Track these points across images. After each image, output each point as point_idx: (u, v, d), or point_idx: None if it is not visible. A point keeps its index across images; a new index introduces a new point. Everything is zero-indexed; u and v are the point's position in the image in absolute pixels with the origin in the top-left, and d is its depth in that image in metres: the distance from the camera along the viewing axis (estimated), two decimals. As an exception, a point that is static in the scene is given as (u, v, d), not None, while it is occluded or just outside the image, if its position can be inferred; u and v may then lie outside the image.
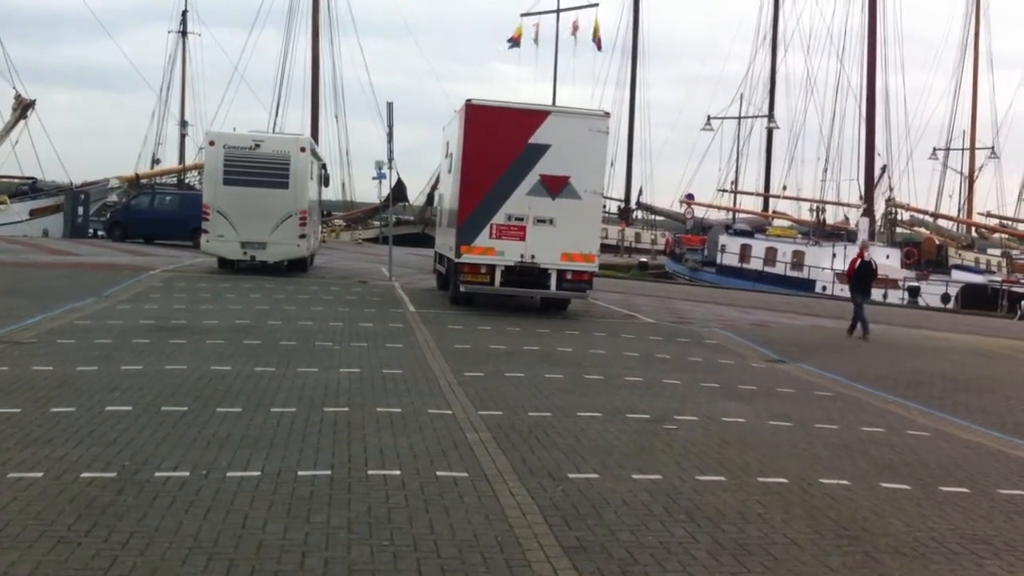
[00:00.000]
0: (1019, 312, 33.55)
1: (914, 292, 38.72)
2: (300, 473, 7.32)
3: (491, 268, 19.83)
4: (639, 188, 71.72)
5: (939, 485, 8.33)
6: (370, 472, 7.44)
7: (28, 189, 45.67)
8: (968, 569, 6.26)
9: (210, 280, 23.22)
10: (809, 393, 12.89)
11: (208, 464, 7.44)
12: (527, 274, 19.96)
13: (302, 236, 25.53)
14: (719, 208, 61.84)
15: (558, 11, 61.73)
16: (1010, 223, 60.95)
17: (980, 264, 52.31)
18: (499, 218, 19.69)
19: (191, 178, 50.31)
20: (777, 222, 55.94)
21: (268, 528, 6.09)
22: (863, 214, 47.87)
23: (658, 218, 71.84)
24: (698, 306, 26.61)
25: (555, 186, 19.74)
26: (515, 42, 63.10)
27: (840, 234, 48.10)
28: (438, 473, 7.52)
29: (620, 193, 70.74)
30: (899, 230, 56.09)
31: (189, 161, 55.52)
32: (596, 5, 63.88)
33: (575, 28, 62.37)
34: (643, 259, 55.38)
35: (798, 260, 44.63)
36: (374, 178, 30.22)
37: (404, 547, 5.89)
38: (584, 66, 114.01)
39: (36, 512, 6.14)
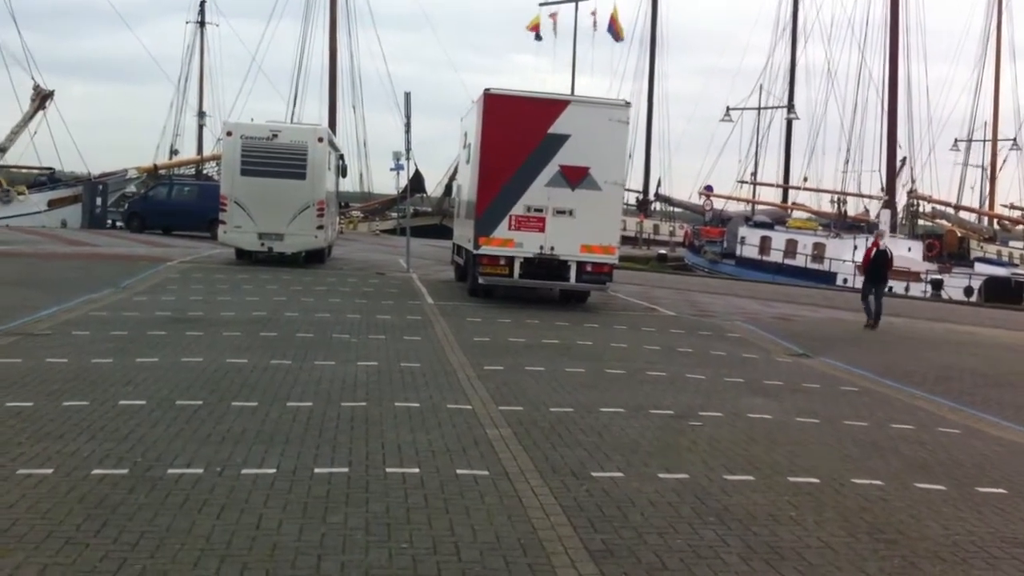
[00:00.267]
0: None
1: (937, 285, 38.25)
2: (316, 470, 7.12)
3: (510, 260, 19.60)
4: (657, 179, 71.41)
5: (975, 485, 8.06)
6: (388, 470, 7.23)
7: (46, 179, 45.77)
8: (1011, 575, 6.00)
9: (228, 271, 23.09)
10: (835, 388, 12.61)
11: (222, 461, 7.25)
12: (546, 266, 19.73)
13: (320, 227, 25.36)
14: (738, 200, 61.44)
15: (577, 0, 61.35)
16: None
17: (1003, 256, 51.72)
18: (518, 209, 19.45)
19: (209, 169, 50.26)
20: (797, 214, 55.49)
21: (283, 529, 5.89)
22: (884, 206, 47.33)
23: (676, 210, 71.46)
24: (719, 299, 26.28)
25: (575, 177, 19.49)
26: (537, 33, 62.71)
27: (861, 226, 47.62)
28: (458, 471, 7.31)
29: (638, 185, 70.45)
30: (920, 222, 55.50)
31: (207, 152, 55.53)
32: (615, -6, 63.47)
33: (594, 18, 61.95)
34: (662, 251, 55.04)
35: (819, 252, 44.18)
36: (392, 169, 30.00)
37: (423, 550, 5.68)
38: (602, 57, 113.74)
39: (44, 511, 5.96)
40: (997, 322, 26.24)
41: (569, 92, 49.70)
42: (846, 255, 41.91)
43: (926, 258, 45.01)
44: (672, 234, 66.66)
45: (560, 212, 19.49)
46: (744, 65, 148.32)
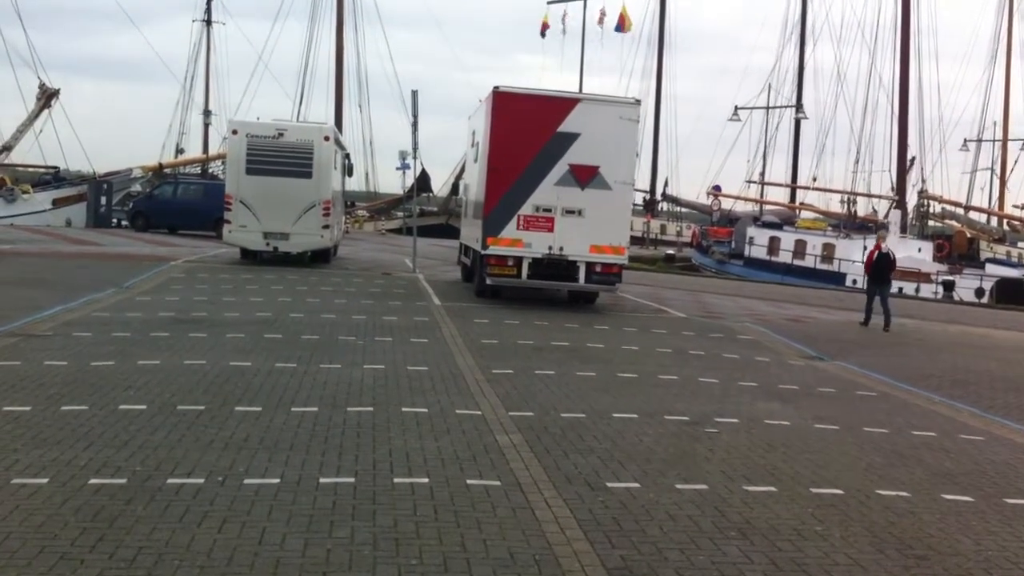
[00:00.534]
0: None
1: (949, 286, 37.91)
2: (322, 480, 6.86)
3: (518, 260, 19.33)
4: (664, 179, 71.13)
5: (1003, 496, 7.78)
6: (396, 480, 6.97)
7: (51, 178, 45.58)
8: (1049, 595, 5.73)
9: (232, 271, 22.85)
10: (852, 393, 12.33)
11: (224, 470, 6.99)
12: (555, 267, 19.46)
13: (325, 227, 25.11)
14: (746, 200, 61.09)
15: (585, -1, 61.05)
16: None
17: (1012, 257, 51.32)
18: (526, 209, 19.18)
19: (215, 168, 50.06)
20: (805, 214, 55.14)
21: (287, 544, 5.63)
22: (895, 206, 46.99)
23: (683, 210, 71.18)
24: (728, 300, 26.00)
25: (584, 176, 19.21)
26: (543, 30, 62.41)
27: (870, 226, 47.26)
28: (468, 481, 7.04)
29: (645, 184, 70.08)
30: (930, 223, 55.14)
31: (213, 151, 55.29)
32: (623, -7, 63.17)
33: (602, 17, 61.63)
34: (670, 251, 54.73)
35: (828, 253, 43.84)
36: (398, 168, 29.77)
37: (434, 567, 5.42)
38: (609, 57, 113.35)
39: (38, 524, 5.70)
40: (1011, 324, 25.93)
41: (578, 91, 49.46)
42: (856, 256, 41.50)
43: (936, 259, 44.68)
44: (679, 234, 66.41)
45: (569, 212, 19.21)
46: (752, 66, 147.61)
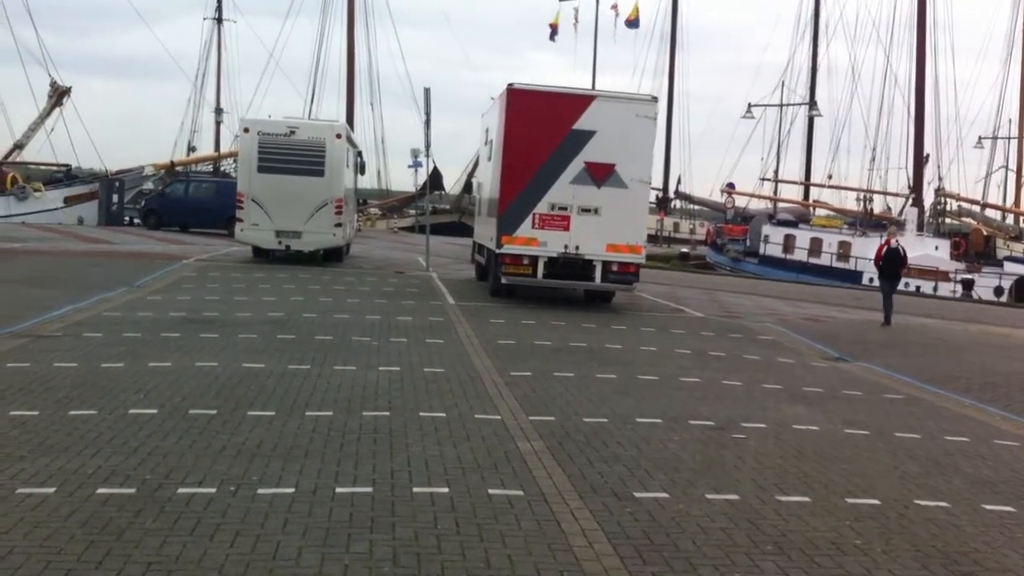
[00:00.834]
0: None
1: (968, 285, 37.46)
2: (338, 490, 6.59)
3: (533, 259, 19.05)
4: (677, 177, 70.69)
5: (1045, 506, 7.47)
6: (415, 489, 6.70)
7: (63, 176, 45.48)
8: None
9: (244, 270, 22.63)
10: (879, 396, 12.02)
11: (237, 478, 6.73)
12: (571, 266, 19.18)
13: (338, 225, 24.88)
14: (760, 197, 60.65)
15: (597, -4, 60.57)
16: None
17: (1029, 255, 50.75)
18: (542, 207, 18.90)
19: (227, 166, 49.89)
20: (820, 212, 54.67)
21: (303, 559, 5.37)
22: (912, 204, 46.53)
23: (696, 207, 70.75)
24: (745, 299, 25.67)
25: (600, 174, 18.92)
26: (553, 31, 62.02)
27: (886, 224, 46.80)
28: (490, 491, 6.76)
29: (658, 182, 69.59)
30: (947, 220, 54.60)
31: (224, 149, 55.11)
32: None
33: (615, 11, 61.20)
34: (684, 249, 54.36)
35: (844, 251, 43.42)
36: (410, 166, 29.53)
37: (457, 584, 5.15)
38: (621, 55, 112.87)
39: (43, 537, 5.45)
40: (1033, 324, 25.51)
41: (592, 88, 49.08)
42: (872, 254, 41.08)
43: (953, 257, 44.21)
44: (692, 232, 65.98)
45: (585, 210, 18.93)
46: (764, 63, 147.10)
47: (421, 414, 9.06)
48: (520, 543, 5.80)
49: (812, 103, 61.95)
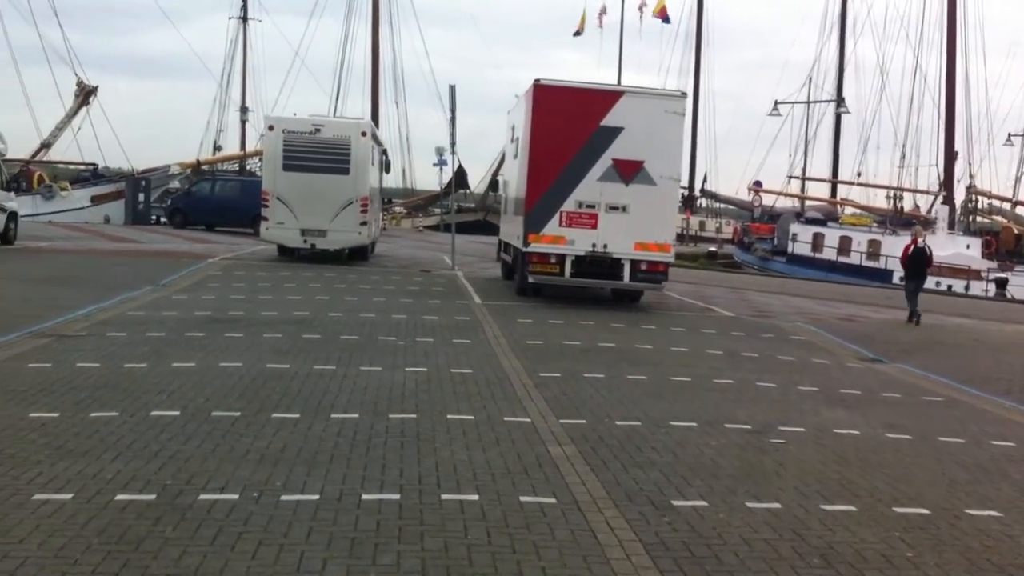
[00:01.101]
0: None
1: (1001, 284, 36.87)
2: (364, 497, 6.35)
3: (561, 258, 18.79)
4: (703, 175, 70.20)
5: (1101, 516, 7.13)
6: (444, 496, 6.45)
7: (90, 175, 45.58)
8: None
9: (270, 269, 22.50)
10: (918, 399, 11.67)
11: (260, 484, 6.51)
12: (599, 264, 18.90)
13: (363, 223, 24.70)
14: (787, 195, 60.06)
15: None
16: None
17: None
18: (569, 205, 18.65)
19: (252, 165, 49.88)
20: (849, 210, 54.05)
21: (328, 571, 5.13)
22: (942, 202, 45.91)
23: (722, 206, 70.22)
24: (775, 298, 25.31)
25: (628, 171, 18.64)
26: (579, 29, 61.67)
27: (916, 222, 46.19)
28: (522, 498, 6.50)
29: (684, 180, 69.10)
30: (978, 219, 53.84)
31: (250, 148, 55.14)
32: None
33: (641, 12, 60.83)
34: (712, 248, 53.89)
35: (874, 250, 42.85)
36: (435, 165, 29.37)
37: (490, 599, 4.90)
38: (646, 53, 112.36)
39: (58, 547, 5.24)
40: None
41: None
42: (901, 253, 40.52)
43: (984, 256, 43.55)
44: (719, 230, 65.46)
45: (613, 208, 18.65)
46: (790, 61, 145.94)
47: (449, 416, 8.82)
48: (554, 555, 5.54)
49: (840, 100, 61.32)
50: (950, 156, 47.43)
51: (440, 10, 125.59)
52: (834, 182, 60.36)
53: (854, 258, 43.28)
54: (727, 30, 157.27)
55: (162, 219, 42.90)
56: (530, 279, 19.09)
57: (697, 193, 70.29)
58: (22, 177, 40.20)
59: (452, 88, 26.82)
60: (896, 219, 47.60)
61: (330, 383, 10.06)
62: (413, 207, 56.44)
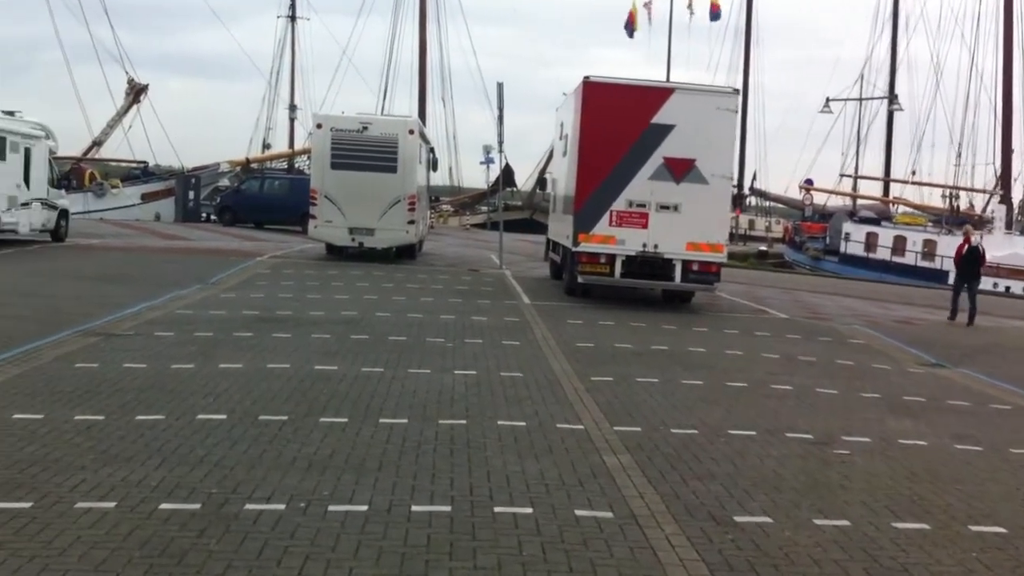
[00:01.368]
0: None
1: (1061, 285, 35.89)
2: (415, 508, 6.13)
3: (611, 258, 18.48)
4: (752, 173, 69.30)
5: None
6: (497, 509, 6.20)
7: (140, 173, 45.96)
8: None
9: (318, 267, 22.44)
10: (986, 407, 11.24)
11: (307, 493, 6.31)
12: (649, 265, 18.56)
13: (411, 222, 24.56)
14: (839, 194, 59.07)
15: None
16: None
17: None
18: (619, 204, 18.34)
19: (301, 163, 50.04)
20: (902, 209, 53.04)
21: (377, 589, 4.92)
22: (1000, 201, 44.87)
23: (772, 204, 69.28)
24: (828, 299, 24.79)
25: (680, 170, 18.29)
26: (631, 28, 61.13)
27: (972, 222, 45.17)
28: (577, 512, 6.24)
29: (733, 179, 68.30)
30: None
31: (298, 146, 55.34)
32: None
33: (691, 10, 60.20)
34: (762, 247, 53.15)
35: (930, 250, 41.96)
36: (482, 163, 29.17)
37: (547, 623, 4.65)
38: (693, 51, 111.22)
39: (99, 561, 5.06)
40: None
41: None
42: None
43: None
44: (768, 229, 64.61)
45: (664, 207, 18.32)
46: (841, 58, 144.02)
47: (500, 423, 8.58)
48: (613, 574, 5.28)
49: (891, 97, 60.22)
50: (1007, 154, 46.33)
51: (486, 7, 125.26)
52: (887, 180, 59.28)
53: (909, 258, 42.42)
54: (776, 26, 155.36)
55: (212, 217, 43.17)
56: (580, 279, 18.82)
57: (746, 191, 69.44)
58: (73, 175, 40.58)
59: (500, 86, 26.63)
60: (952, 218, 46.61)
61: (378, 386, 9.87)
62: (460, 205, 56.30)
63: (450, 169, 56.16)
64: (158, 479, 6.43)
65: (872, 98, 61.42)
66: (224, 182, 47.44)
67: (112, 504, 5.89)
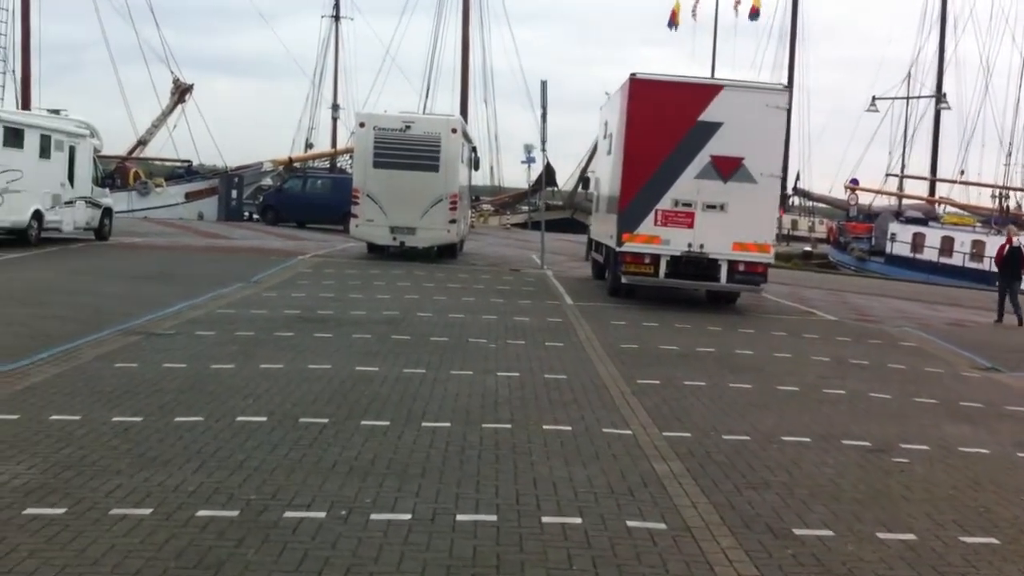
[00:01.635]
0: None
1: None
2: (459, 517, 5.91)
3: (655, 258, 18.17)
4: (796, 173, 68.43)
5: None
6: (544, 519, 5.96)
7: (184, 172, 46.21)
8: None
9: (359, 266, 22.33)
10: (1048, 413, 10.83)
11: (349, 501, 6.11)
12: (695, 265, 18.24)
13: (452, 221, 24.39)
14: (886, 194, 58.17)
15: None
16: None
17: None
18: (665, 203, 18.03)
19: (343, 162, 50.08)
20: (951, 209, 52.11)
21: (421, 604, 4.71)
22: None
23: (815, 204, 68.40)
24: (876, 301, 24.30)
25: (727, 168, 17.94)
26: (673, 23, 60.64)
27: (1013, 222, 44.26)
28: (628, 523, 5.99)
29: (778, 178, 67.45)
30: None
31: (341, 145, 55.42)
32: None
33: (736, 7, 59.58)
34: (807, 248, 52.44)
35: (978, 251, 41.12)
36: (523, 162, 28.94)
37: (599, 643, 4.41)
38: (738, 49, 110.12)
39: (133, 572, 4.87)
40: None
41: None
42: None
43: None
44: (811, 229, 63.79)
45: (710, 207, 17.98)
46: (886, 57, 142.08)
47: (545, 427, 8.35)
48: (668, 590, 5.03)
49: (939, 96, 59.21)
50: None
51: (528, 7, 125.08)
52: (935, 180, 58.32)
53: (956, 259, 41.61)
54: (821, 26, 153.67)
55: (254, 216, 43.30)
56: (623, 279, 18.54)
57: (790, 191, 68.62)
58: (118, 173, 40.84)
59: (544, 84, 26.38)
60: (1001, 218, 45.69)
61: (420, 388, 9.67)
62: (500, 204, 56.11)
63: (491, 168, 56.10)
64: (196, 484, 6.27)
65: (919, 97, 60.51)
66: (267, 181, 47.58)
67: (148, 511, 5.73)
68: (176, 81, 47.03)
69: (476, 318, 14.98)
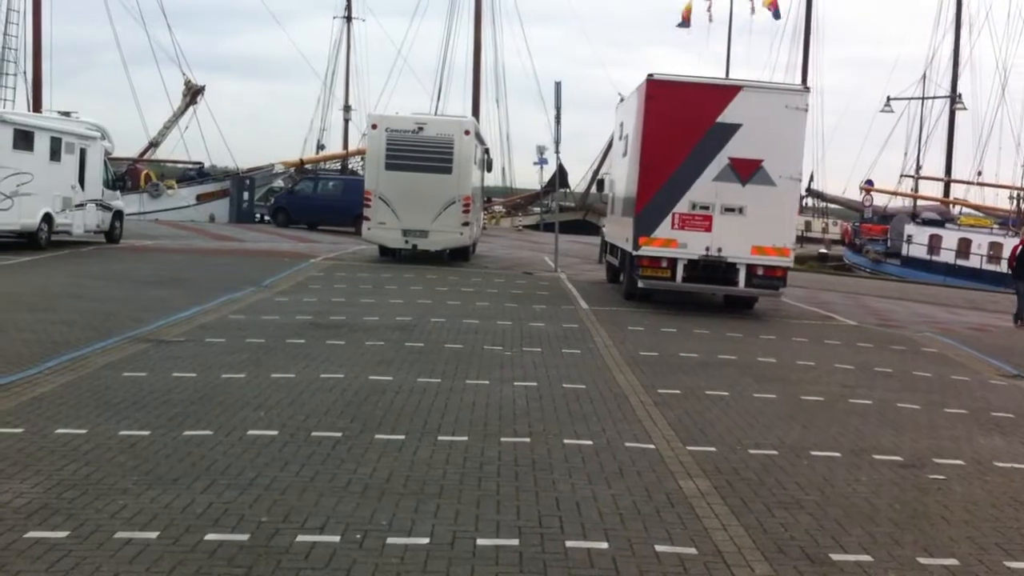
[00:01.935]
0: None
1: None
2: (480, 542, 5.63)
3: (672, 262, 17.88)
4: (810, 174, 67.98)
5: None
6: (569, 544, 5.68)
7: (196, 174, 46.11)
8: None
9: (371, 270, 22.09)
10: (1081, 424, 10.50)
11: (364, 522, 5.85)
12: (712, 269, 17.94)
13: (465, 224, 24.13)
14: (901, 195, 57.73)
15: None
16: None
17: None
18: (682, 206, 17.73)
19: (354, 164, 49.91)
20: (967, 211, 51.65)
21: (441, 640, 4.44)
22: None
23: (829, 205, 67.96)
24: (896, 304, 23.97)
25: (746, 171, 17.64)
26: (685, 22, 60.26)
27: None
28: (657, 548, 5.70)
29: (793, 179, 66.92)
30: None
31: (353, 147, 55.26)
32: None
33: (752, 5, 59.17)
34: (823, 250, 52.05)
35: (995, 252, 40.67)
36: (535, 163, 28.69)
37: None
38: (752, 49, 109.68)
39: (139, 602, 4.64)
40: None
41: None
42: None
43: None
44: (825, 231, 63.38)
45: (729, 210, 17.68)
46: (901, 58, 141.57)
47: (565, 441, 8.07)
48: (702, 623, 4.75)
49: (954, 97, 58.73)
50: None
51: (540, 8, 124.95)
52: (951, 181, 57.83)
53: (974, 261, 41.19)
54: (835, 26, 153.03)
55: (265, 218, 43.19)
56: (640, 284, 18.25)
57: (803, 192, 68.18)
58: (129, 175, 40.75)
59: (558, 85, 26.11)
60: (1018, 220, 45.23)
61: (435, 399, 9.40)
62: (512, 206, 55.87)
63: (503, 170, 55.92)
64: (204, 504, 6.01)
65: (935, 97, 60.02)
66: (278, 183, 47.47)
67: (155, 534, 5.46)
68: (188, 83, 46.96)
69: (491, 324, 14.70)
